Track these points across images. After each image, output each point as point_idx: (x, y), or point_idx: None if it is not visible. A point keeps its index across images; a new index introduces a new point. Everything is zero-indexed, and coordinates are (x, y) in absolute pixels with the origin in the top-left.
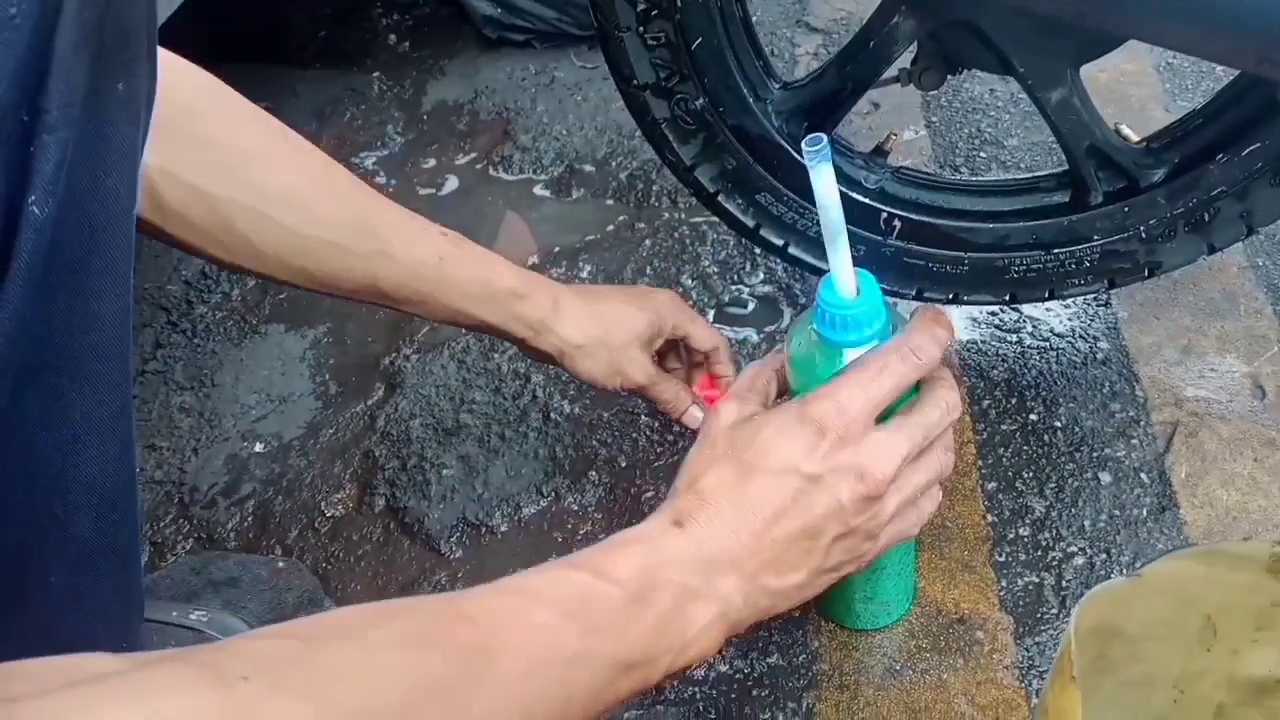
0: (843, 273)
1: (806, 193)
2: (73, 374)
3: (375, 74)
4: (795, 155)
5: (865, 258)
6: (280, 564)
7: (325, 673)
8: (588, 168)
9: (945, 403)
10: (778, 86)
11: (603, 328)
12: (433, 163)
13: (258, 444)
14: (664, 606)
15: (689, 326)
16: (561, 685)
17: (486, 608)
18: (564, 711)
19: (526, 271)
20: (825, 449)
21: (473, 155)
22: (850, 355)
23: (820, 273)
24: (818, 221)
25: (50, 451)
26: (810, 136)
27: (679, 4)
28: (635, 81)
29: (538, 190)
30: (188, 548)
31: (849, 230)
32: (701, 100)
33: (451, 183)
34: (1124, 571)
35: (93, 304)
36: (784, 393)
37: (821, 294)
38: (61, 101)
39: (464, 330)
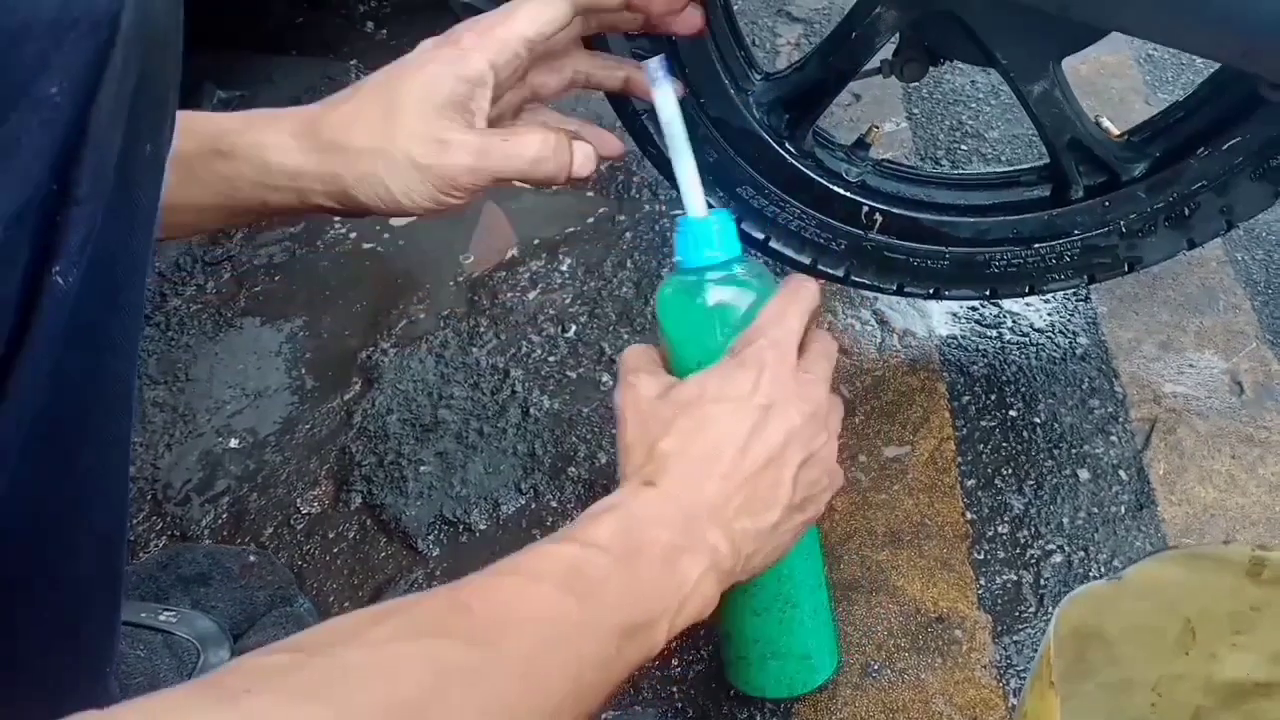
0: (691, 189)
1: (788, 186)
2: (82, 427)
3: (352, 61)
4: (777, 148)
5: (846, 252)
6: (251, 558)
7: (337, 675)
8: None
9: (827, 335)
10: (759, 78)
11: (367, 129)
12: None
13: (232, 440)
14: (654, 565)
15: (511, 34)
16: (570, 657)
17: (481, 593)
18: (576, 684)
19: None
20: (768, 381)
21: None
22: (714, 289)
23: (799, 266)
24: (799, 215)
25: (54, 499)
26: (653, 59)
27: None
28: None
29: (517, 181)
30: (161, 545)
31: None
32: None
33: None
34: (1102, 569)
35: (108, 360)
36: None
37: (679, 223)
38: (94, 175)
39: (442, 324)
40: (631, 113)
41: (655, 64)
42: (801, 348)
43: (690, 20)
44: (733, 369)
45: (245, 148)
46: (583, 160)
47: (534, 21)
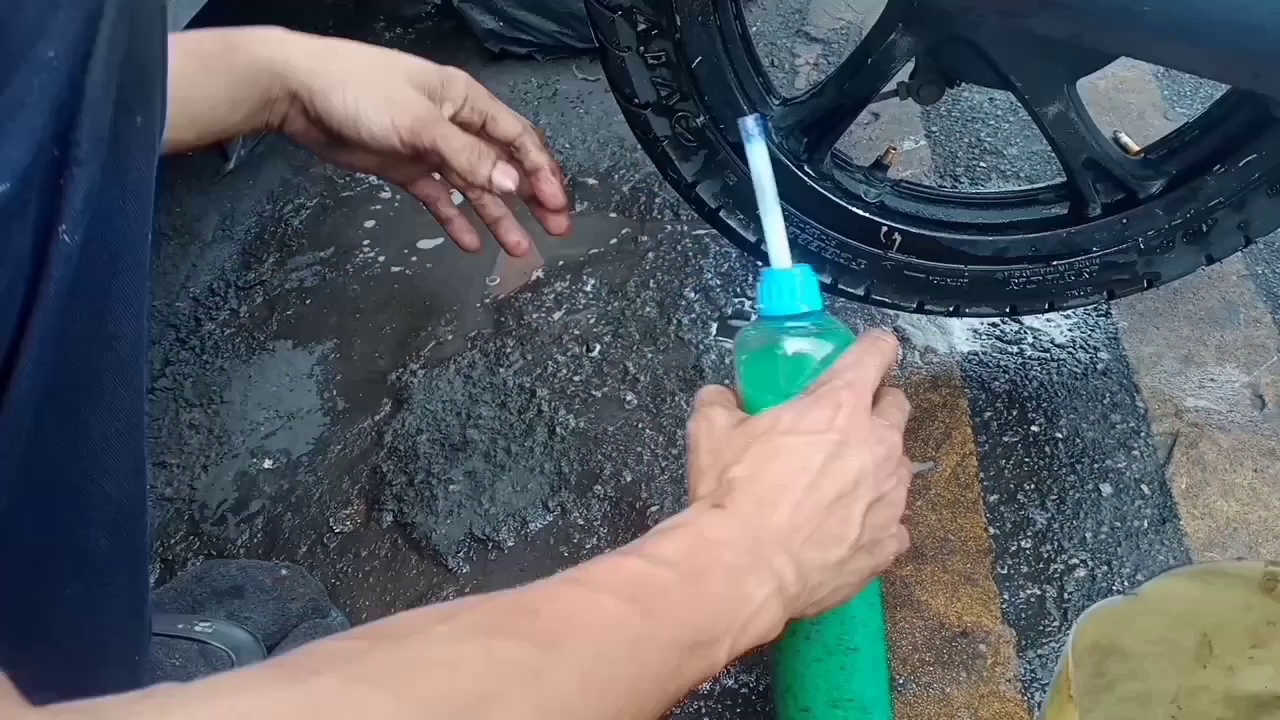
0: (777, 241)
1: (807, 209)
2: (91, 393)
3: None
4: (796, 171)
5: (866, 271)
6: (284, 571)
7: (399, 665)
8: (591, 180)
9: (899, 391)
10: (778, 103)
11: (364, 61)
12: (437, 176)
13: (266, 460)
14: (719, 583)
15: (488, 104)
16: (630, 667)
17: (547, 599)
18: (634, 695)
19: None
20: (844, 418)
21: None
22: (794, 338)
23: (820, 286)
24: (820, 236)
25: (68, 468)
26: (749, 117)
27: (679, 24)
28: (637, 100)
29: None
30: (198, 564)
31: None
32: (702, 118)
33: (456, 196)
34: (1125, 584)
35: (110, 325)
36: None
37: (764, 274)
38: (90, 137)
39: (469, 345)
40: (652, 139)
41: (751, 122)
42: (874, 399)
43: (559, 223)
44: (809, 405)
45: (254, 39)
46: (500, 176)
47: (503, 114)
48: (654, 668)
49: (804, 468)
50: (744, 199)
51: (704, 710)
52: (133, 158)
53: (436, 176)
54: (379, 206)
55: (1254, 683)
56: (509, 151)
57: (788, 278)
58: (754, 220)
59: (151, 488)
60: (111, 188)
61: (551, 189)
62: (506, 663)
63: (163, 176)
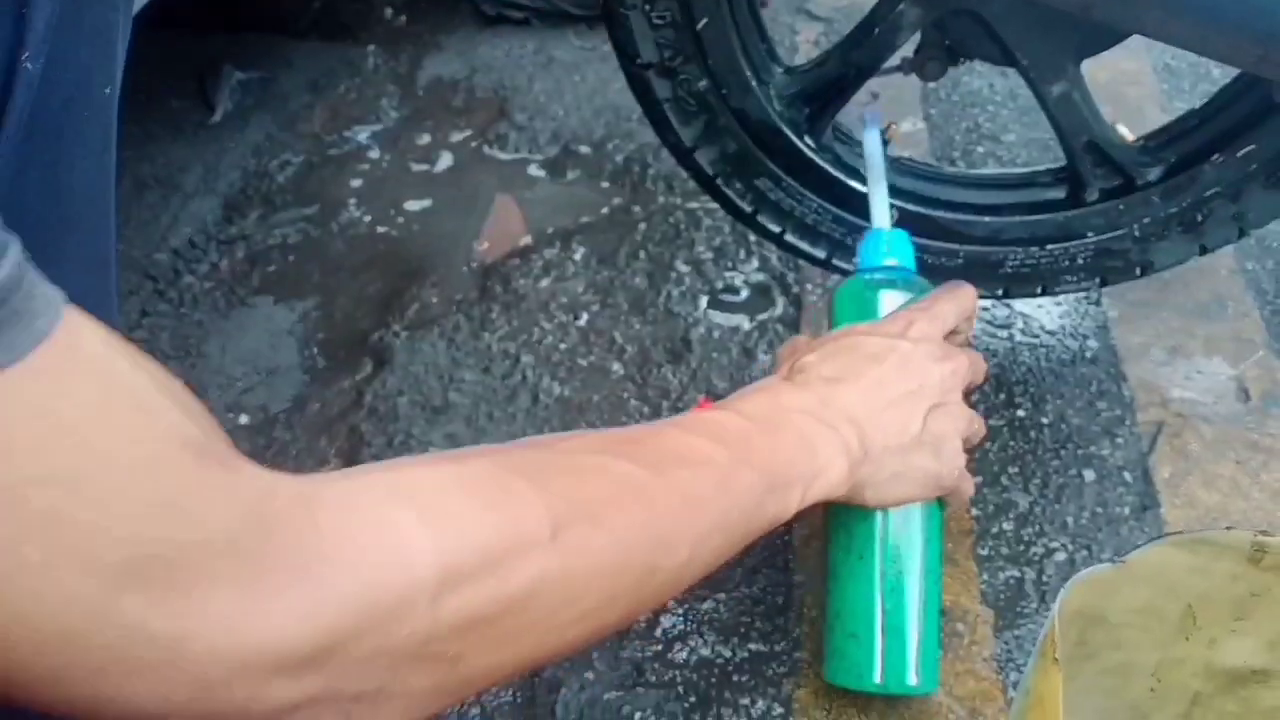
0: (880, 207)
1: (806, 180)
2: (45, 250)
3: (371, 47)
4: (796, 140)
5: None
6: None
7: (537, 462)
8: (584, 149)
9: (981, 358)
10: (781, 70)
11: None
12: (427, 139)
13: (243, 416)
14: (792, 438)
15: None
16: (720, 495)
17: (649, 434)
18: (723, 520)
19: None
20: (915, 331)
21: (468, 133)
22: (884, 287)
23: (815, 260)
24: (814, 209)
25: None
26: (867, 108)
27: None
28: (639, 60)
29: (532, 170)
30: None
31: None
32: (705, 82)
33: (445, 159)
34: None
35: (64, 177)
36: None
37: (865, 235)
38: None
39: (454, 308)
40: (653, 101)
41: (870, 112)
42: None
43: None
44: (881, 321)
45: None
46: None
47: None
48: (740, 501)
49: (872, 360)
50: (742, 167)
51: (679, 679)
52: (90, 5)
53: None
54: (366, 166)
55: (1234, 656)
56: None
57: (885, 235)
58: (751, 190)
59: None
60: (65, 30)
61: None
62: (621, 477)
63: (133, 63)
